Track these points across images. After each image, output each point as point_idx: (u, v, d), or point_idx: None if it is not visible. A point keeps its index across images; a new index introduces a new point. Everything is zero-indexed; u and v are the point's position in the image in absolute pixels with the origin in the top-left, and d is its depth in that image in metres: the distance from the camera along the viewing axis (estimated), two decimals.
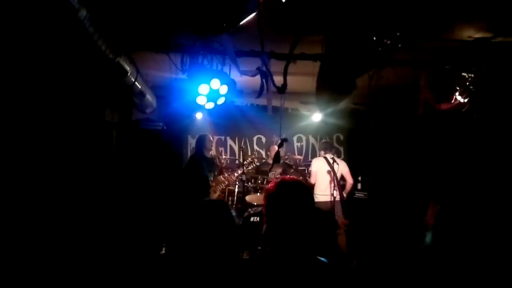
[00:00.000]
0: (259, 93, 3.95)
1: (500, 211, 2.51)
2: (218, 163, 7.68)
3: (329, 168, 7.23)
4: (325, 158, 7.40)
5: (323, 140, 8.94)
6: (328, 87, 3.82)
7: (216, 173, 7.26)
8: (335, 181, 7.13)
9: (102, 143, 6.30)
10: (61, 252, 4.06)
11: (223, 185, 7.37)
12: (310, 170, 7.61)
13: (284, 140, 4.19)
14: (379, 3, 3.70)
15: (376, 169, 8.40)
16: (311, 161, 7.99)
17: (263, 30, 3.40)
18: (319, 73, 3.81)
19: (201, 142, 7.15)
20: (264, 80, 3.74)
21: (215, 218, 2.67)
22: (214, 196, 6.96)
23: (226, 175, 7.47)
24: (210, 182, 6.95)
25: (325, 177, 7.28)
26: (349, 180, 7.54)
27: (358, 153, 9.40)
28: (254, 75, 4.43)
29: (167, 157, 8.35)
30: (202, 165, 6.85)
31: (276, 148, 8.15)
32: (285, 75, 3.48)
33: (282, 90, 3.48)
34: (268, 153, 8.44)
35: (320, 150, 7.85)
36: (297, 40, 3.34)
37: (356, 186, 8.23)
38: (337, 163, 7.32)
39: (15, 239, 3.49)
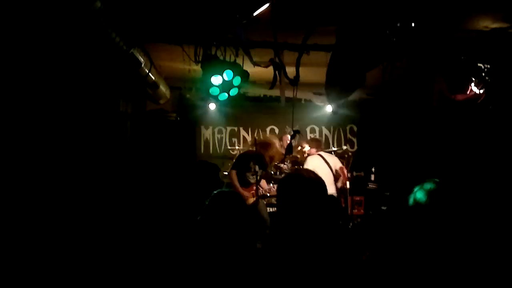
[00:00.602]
0: (272, 84, 3.96)
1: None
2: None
3: (325, 165, 7.16)
4: (320, 155, 7.32)
5: (312, 137, 8.83)
6: (338, 80, 3.79)
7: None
8: (333, 177, 7.07)
9: (117, 134, 6.36)
10: (75, 240, 4.13)
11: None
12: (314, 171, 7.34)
13: (296, 132, 4.20)
14: None
15: (390, 160, 8.34)
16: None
17: (276, 21, 3.40)
18: (329, 66, 3.79)
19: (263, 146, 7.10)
20: (277, 71, 3.74)
21: (228, 210, 2.71)
22: (251, 200, 6.71)
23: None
24: (255, 183, 6.81)
25: (324, 175, 7.11)
26: (344, 175, 7.39)
27: (372, 144, 9.34)
28: (267, 66, 4.43)
29: (181, 147, 8.40)
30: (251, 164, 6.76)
31: (289, 138, 8.14)
32: (297, 66, 3.48)
33: (294, 82, 3.48)
34: (281, 143, 8.39)
35: (311, 148, 7.57)
36: (310, 32, 3.34)
37: (370, 177, 8.19)
38: (331, 159, 7.27)
39: (32, 223, 3.56)
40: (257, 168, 6.67)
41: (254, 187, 6.81)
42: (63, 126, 4.20)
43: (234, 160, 7.07)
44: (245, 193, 6.64)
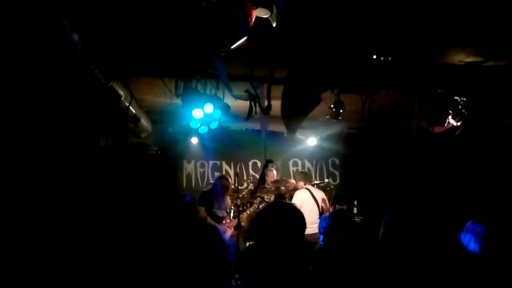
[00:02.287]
0: (248, 115, 3.98)
1: (496, 230, 2.51)
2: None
3: (313, 200, 7.14)
4: (307, 189, 7.31)
5: (301, 170, 8.86)
6: (293, 106, 3.83)
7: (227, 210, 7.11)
8: (319, 211, 7.03)
9: (96, 168, 6.27)
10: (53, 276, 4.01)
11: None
12: (294, 204, 7.30)
13: (268, 161, 4.23)
14: (372, 29, 3.76)
15: (372, 193, 8.36)
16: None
17: (257, 54, 3.43)
18: (283, 94, 3.83)
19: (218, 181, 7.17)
20: (252, 103, 3.77)
21: (205, 244, 2.66)
22: (228, 233, 6.80)
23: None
24: (226, 217, 6.92)
25: (311, 210, 7.11)
26: (326, 208, 7.33)
27: (354, 177, 9.38)
28: (247, 99, 4.45)
29: (162, 182, 8.31)
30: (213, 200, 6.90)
31: (274, 173, 8.12)
32: (268, 97, 3.53)
33: (266, 111, 3.52)
34: (266, 177, 8.30)
35: (299, 180, 7.53)
36: (274, 65, 3.41)
37: (352, 210, 8.18)
38: (317, 193, 7.28)
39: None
40: (218, 203, 6.87)
41: (227, 220, 6.81)
42: (39, 161, 4.12)
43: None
44: (220, 227, 6.59)
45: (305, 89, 3.61)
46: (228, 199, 7.18)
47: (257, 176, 9.37)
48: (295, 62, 3.55)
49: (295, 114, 3.84)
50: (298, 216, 2.26)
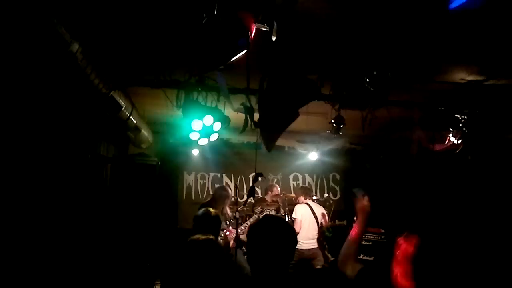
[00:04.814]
0: (243, 128, 3.98)
1: (493, 249, 2.49)
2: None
3: (312, 215, 7.15)
4: (308, 204, 7.30)
5: (301, 186, 8.86)
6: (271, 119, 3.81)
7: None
8: (318, 227, 7.02)
9: (96, 178, 6.25)
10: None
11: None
12: (294, 218, 7.33)
13: (258, 175, 4.24)
14: (373, 45, 3.77)
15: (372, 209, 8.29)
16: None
17: (255, 67, 3.44)
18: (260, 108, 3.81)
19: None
20: (248, 115, 3.77)
21: (204, 258, 2.64)
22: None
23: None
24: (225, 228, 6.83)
25: (310, 224, 7.16)
26: (325, 222, 7.34)
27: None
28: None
29: (162, 193, 8.29)
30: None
31: (278, 189, 8.07)
32: (260, 110, 3.53)
33: (257, 125, 3.52)
34: (270, 192, 8.20)
35: (299, 195, 7.63)
36: (264, 77, 3.41)
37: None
38: (317, 208, 7.30)
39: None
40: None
41: (227, 233, 6.75)
42: (38, 168, 4.11)
43: None
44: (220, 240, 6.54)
45: (284, 102, 3.60)
46: (228, 210, 7.11)
47: (257, 189, 9.31)
48: (275, 74, 3.56)
49: (273, 128, 3.82)
50: (287, 231, 2.27)
